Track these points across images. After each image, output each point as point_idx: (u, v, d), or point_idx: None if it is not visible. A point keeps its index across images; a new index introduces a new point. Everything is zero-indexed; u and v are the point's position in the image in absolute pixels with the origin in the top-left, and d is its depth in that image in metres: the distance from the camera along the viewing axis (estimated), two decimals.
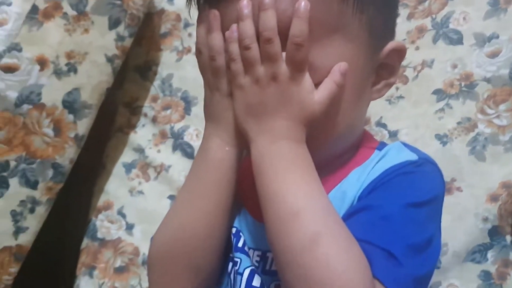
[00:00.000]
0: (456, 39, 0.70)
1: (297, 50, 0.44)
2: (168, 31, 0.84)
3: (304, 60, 0.45)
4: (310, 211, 0.43)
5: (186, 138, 0.80)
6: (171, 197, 0.77)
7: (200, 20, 0.50)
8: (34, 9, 0.61)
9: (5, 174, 0.62)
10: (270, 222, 0.44)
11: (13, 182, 0.63)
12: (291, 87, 0.45)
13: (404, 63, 0.70)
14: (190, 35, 0.83)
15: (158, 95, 0.82)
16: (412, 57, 0.73)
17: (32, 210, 0.65)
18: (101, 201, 0.79)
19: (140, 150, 0.81)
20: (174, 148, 0.80)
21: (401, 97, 0.73)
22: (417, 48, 0.73)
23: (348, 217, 0.46)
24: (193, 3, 0.51)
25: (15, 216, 0.64)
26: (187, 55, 0.82)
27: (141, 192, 0.79)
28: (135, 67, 0.81)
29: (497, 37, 0.69)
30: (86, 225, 0.78)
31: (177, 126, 0.80)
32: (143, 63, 0.83)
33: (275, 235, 0.43)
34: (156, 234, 0.55)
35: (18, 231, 0.65)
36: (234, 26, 0.46)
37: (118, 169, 0.80)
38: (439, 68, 0.71)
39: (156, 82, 0.82)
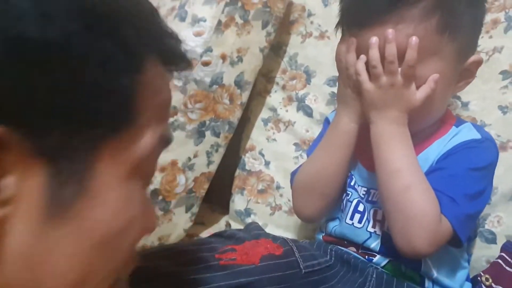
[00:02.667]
0: None
1: (409, 69, 0.60)
2: (295, 19, 0.97)
3: (413, 74, 0.61)
4: (406, 170, 0.60)
5: (307, 102, 0.94)
6: (295, 144, 0.94)
7: (342, 40, 0.68)
8: (219, 22, 0.80)
9: (203, 129, 0.83)
10: (381, 175, 0.62)
11: (207, 133, 0.84)
12: (403, 91, 0.62)
13: (479, 48, 0.80)
14: (312, 22, 0.96)
15: (286, 69, 0.97)
16: (485, 44, 0.81)
17: (216, 150, 0.87)
18: (248, 144, 0.98)
19: (273, 110, 0.97)
20: (298, 109, 0.95)
21: None
22: (490, 37, 0.81)
23: (428, 173, 0.63)
24: (339, 28, 0.68)
25: (208, 154, 0.85)
26: (309, 39, 0.96)
27: (274, 140, 0.96)
28: (270, 46, 0.94)
29: None
30: (238, 160, 0.98)
31: (300, 93, 0.95)
32: (276, 43, 0.98)
33: (384, 183, 0.62)
34: (299, 174, 0.75)
35: (209, 163, 0.86)
36: (363, 57, 0.62)
37: (258, 123, 0.98)
38: (507, 53, 0.79)
39: (285, 59, 0.98)
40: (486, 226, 0.77)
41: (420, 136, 0.68)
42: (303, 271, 0.61)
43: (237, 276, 0.56)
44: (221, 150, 0.89)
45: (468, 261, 0.73)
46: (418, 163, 0.63)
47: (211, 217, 1.01)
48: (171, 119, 0.81)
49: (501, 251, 0.68)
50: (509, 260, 0.66)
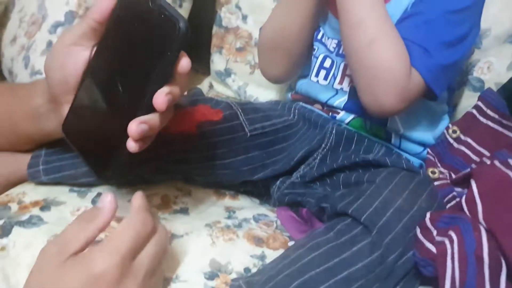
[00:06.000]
0: None
1: None
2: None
3: None
4: (370, 20, 0.53)
5: None
6: None
7: None
8: None
9: None
10: (344, 28, 0.55)
11: None
12: None
13: None
14: None
15: None
16: None
17: (180, 5, 0.80)
18: None
19: None
20: None
21: None
22: None
23: (401, 21, 0.57)
24: None
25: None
26: None
27: None
28: None
29: None
30: (214, 16, 0.90)
31: None
32: None
33: (346, 36, 0.55)
34: (262, 31, 0.68)
35: None
36: None
37: None
38: None
39: None
40: (475, 74, 0.70)
41: None
42: (248, 134, 0.58)
43: (172, 145, 0.53)
44: (187, 5, 0.81)
45: (449, 113, 0.68)
46: (385, 11, 0.55)
47: (194, 78, 0.98)
48: None
49: (478, 100, 0.61)
50: (484, 109, 0.60)
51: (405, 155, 0.63)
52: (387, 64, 0.53)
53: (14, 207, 0.55)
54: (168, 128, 0.52)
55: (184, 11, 0.82)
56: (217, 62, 0.92)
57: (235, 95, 0.91)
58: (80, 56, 0.41)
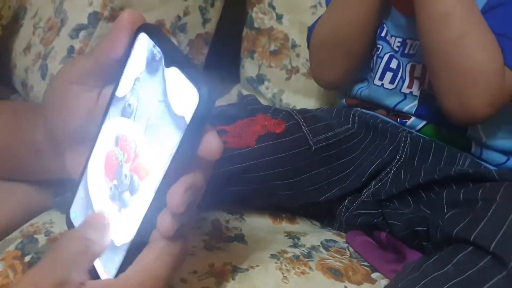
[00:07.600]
0: None
1: None
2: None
3: None
4: (459, 13, 0.48)
5: None
6: None
7: None
8: None
9: None
10: (423, 20, 0.50)
11: None
12: None
13: None
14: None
15: None
16: None
17: (212, 5, 0.76)
18: None
19: None
20: None
21: None
22: None
23: (486, 11, 0.51)
24: None
25: (202, 10, 0.75)
26: None
27: None
28: None
29: None
30: (244, 17, 0.85)
31: None
32: None
33: (428, 32, 0.49)
34: (316, 29, 0.63)
35: (204, 21, 0.76)
36: None
37: None
38: None
39: None
40: None
41: None
42: (313, 147, 0.52)
43: (230, 163, 0.47)
44: (218, 4, 0.77)
45: None
46: (474, 1, 0.49)
47: (221, 87, 0.91)
48: None
49: None
50: None
51: (486, 165, 0.57)
52: (479, 63, 0.48)
53: (42, 239, 0.48)
54: (225, 143, 0.46)
55: (215, 11, 0.76)
56: (248, 67, 0.86)
57: (269, 104, 0.85)
58: (82, 98, 0.32)
